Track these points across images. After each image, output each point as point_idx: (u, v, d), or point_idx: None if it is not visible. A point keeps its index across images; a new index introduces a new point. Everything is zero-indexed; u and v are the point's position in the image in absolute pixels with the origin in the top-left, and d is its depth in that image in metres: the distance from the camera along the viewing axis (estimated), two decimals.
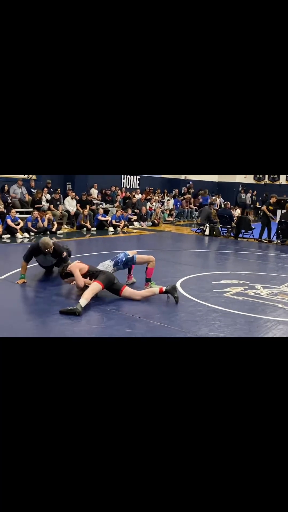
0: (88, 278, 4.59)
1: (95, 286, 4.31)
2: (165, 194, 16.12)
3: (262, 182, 19.65)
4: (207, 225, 11.52)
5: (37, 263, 5.58)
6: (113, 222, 11.59)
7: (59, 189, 11.96)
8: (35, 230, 9.54)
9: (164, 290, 4.61)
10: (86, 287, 4.47)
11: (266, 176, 19.58)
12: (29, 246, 5.38)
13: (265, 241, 10.54)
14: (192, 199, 16.92)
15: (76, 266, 4.56)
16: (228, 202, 13.38)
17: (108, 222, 11.55)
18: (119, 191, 14.07)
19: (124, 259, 4.96)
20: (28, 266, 5.21)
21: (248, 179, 19.76)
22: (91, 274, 4.57)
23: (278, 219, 10.86)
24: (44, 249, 4.93)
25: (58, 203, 11.47)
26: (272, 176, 19.49)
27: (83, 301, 4.10)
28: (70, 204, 11.72)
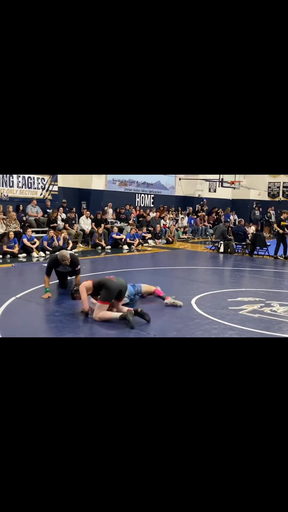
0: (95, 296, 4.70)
1: (102, 309, 4.40)
2: (179, 212, 16.18)
3: (277, 199, 19.56)
4: (221, 242, 11.47)
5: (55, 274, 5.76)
6: (128, 240, 11.66)
7: (74, 209, 12.14)
8: (51, 249, 9.66)
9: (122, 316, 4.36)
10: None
11: (281, 192, 19.48)
12: (45, 264, 5.61)
13: (281, 258, 10.42)
14: (206, 216, 16.94)
15: (84, 287, 4.61)
16: (242, 219, 13.34)
17: (123, 240, 11.63)
18: (133, 209, 14.20)
19: (134, 291, 5.21)
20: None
21: (263, 195, 19.70)
22: (96, 292, 4.59)
23: None
24: (62, 261, 5.33)
25: (73, 222, 11.63)
26: (286, 193, 19.39)
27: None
28: (85, 223, 11.86)
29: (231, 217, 16.95)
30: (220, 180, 16.43)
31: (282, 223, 10.68)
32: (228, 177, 16.72)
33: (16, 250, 9.15)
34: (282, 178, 19.20)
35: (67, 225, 11.25)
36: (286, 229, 10.47)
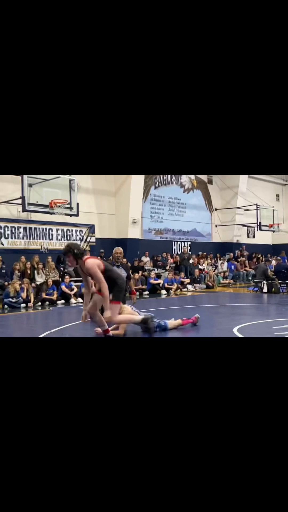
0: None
1: (116, 309, 4.17)
2: (218, 258, 15.90)
3: None
4: (264, 282, 10.96)
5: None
6: (166, 285, 11.45)
7: (111, 257, 12.27)
8: None
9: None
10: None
11: None
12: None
13: None
14: (247, 261, 16.49)
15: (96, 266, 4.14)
16: (280, 258, 12.81)
17: (160, 285, 11.43)
18: (170, 257, 14.14)
19: (161, 325, 4.98)
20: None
21: None
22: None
23: None
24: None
25: (130, 271, 11.66)
26: None
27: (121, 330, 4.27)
28: (121, 271, 11.86)
29: (273, 261, 16.37)
30: (258, 224, 16.19)
31: None
32: (266, 221, 16.47)
33: (55, 297, 9.21)
34: None
35: None
36: None
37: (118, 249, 5.17)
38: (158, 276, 11.99)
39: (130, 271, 5.24)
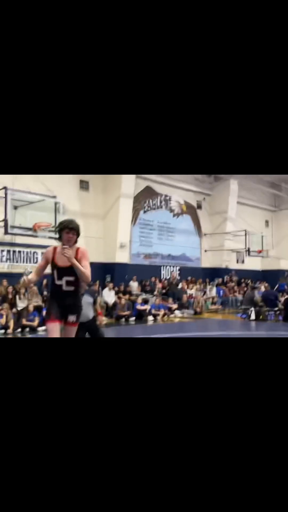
0: None
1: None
2: (207, 283, 15.73)
3: None
4: (252, 309, 10.77)
5: None
6: (153, 311, 11.19)
7: (98, 281, 12.03)
8: None
9: None
10: None
11: None
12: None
13: None
14: (237, 287, 16.34)
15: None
16: (269, 285, 12.69)
17: (147, 310, 11.17)
18: (158, 281, 13.93)
19: None
20: None
21: None
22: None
23: None
24: None
25: (96, 294, 11.39)
26: None
27: None
28: (108, 295, 11.61)
29: (262, 287, 16.24)
30: (247, 249, 16.15)
31: None
32: (255, 246, 16.44)
33: (36, 323, 8.87)
34: None
35: None
36: None
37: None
38: (145, 302, 11.73)
39: (97, 294, 5.19)
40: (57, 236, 3.53)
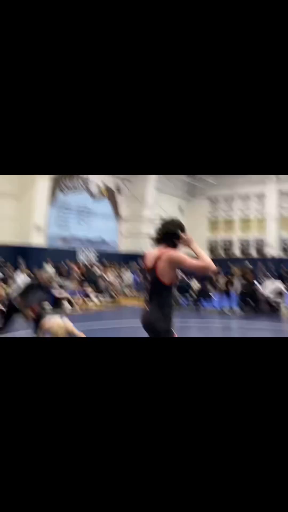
0: None
1: None
2: (125, 269, 15.80)
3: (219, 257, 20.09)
4: None
5: None
6: (69, 297, 10.88)
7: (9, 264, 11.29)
8: None
9: None
10: None
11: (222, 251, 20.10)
12: None
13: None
14: None
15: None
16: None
17: (63, 298, 10.83)
18: (76, 267, 13.58)
19: None
20: None
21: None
22: None
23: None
24: None
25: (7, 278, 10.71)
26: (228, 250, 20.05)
27: None
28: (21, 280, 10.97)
29: None
30: None
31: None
32: None
33: None
34: (222, 236, 19.92)
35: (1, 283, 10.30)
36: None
37: None
38: (61, 287, 11.34)
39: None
40: None
